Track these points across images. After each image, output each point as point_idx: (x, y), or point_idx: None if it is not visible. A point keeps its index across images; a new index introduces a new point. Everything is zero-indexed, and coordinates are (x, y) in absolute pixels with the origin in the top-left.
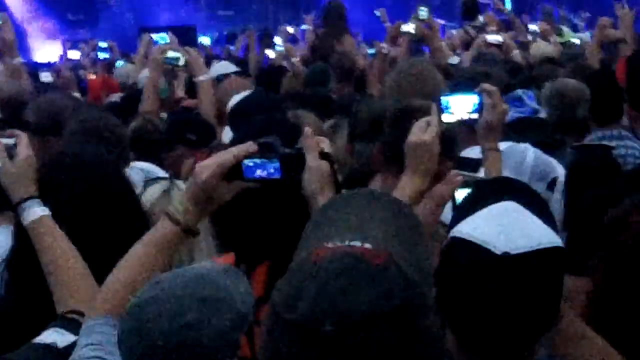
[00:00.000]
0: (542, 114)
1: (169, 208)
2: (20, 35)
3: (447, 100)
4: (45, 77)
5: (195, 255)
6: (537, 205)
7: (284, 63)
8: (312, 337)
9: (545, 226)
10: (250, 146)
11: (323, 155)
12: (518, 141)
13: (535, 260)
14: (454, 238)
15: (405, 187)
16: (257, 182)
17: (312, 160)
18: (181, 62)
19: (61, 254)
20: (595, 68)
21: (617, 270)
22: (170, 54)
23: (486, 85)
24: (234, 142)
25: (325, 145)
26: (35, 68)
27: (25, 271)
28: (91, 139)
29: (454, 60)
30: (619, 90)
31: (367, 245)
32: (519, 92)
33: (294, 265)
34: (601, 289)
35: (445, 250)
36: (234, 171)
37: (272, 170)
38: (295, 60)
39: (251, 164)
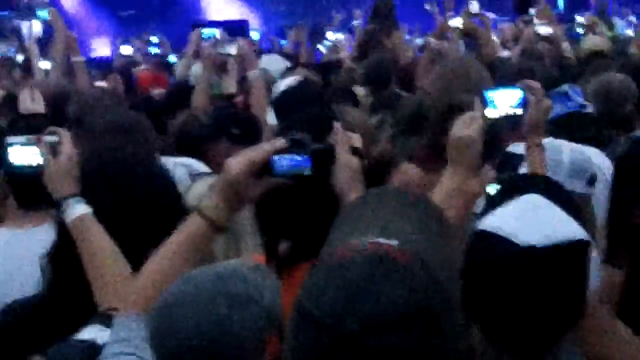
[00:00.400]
0: (589, 109)
1: (200, 204)
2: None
3: (491, 95)
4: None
5: (242, 251)
6: (563, 199)
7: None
8: (335, 336)
9: (570, 219)
10: (279, 142)
11: (353, 151)
12: (564, 138)
13: (560, 253)
14: (479, 231)
15: (448, 182)
16: (286, 179)
17: (342, 156)
18: (234, 52)
19: (102, 253)
20: None
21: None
22: (222, 50)
23: (529, 81)
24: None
25: (356, 140)
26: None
27: (67, 268)
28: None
29: (504, 54)
30: None
31: (393, 243)
32: (565, 87)
33: (319, 263)
34: (630, 282)
35: (470, 244)
36: (264, 167)
37: (301, 166)
38: (345, 55)
39: (281, 160)
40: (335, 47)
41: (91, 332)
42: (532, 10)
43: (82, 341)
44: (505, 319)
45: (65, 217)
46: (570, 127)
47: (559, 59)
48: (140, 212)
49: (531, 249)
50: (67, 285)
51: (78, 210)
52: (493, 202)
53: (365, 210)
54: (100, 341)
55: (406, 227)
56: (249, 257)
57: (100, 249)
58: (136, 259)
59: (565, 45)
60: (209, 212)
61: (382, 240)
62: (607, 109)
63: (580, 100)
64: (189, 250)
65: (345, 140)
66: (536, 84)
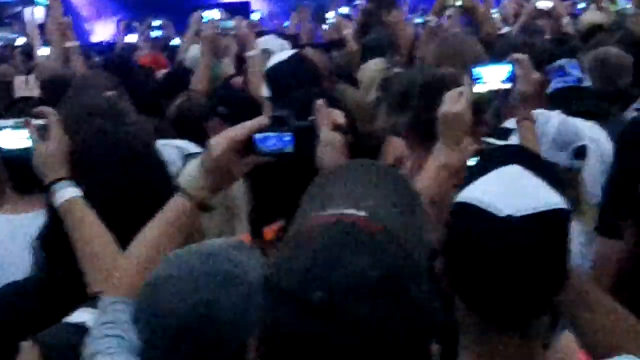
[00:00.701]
0: (587, 83)
1: (184, 184)
2: (75, 16)
3: (479, 70)
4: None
5: (236, 228)
6: (543, 170)
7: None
8: (304, 306)
9: (550, 189)
10: (262, 119)
11: (336, 127)
12: (562, 111)
13: (539, 222)
14: (458, 203)
15: (436, 157)
16: (270, 156)
17: (325, 133)
18: (231, 25)
19: (92, 236)
20: None
21: None
22: (223, 24)
23: (517, 55)
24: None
25: (339, 117)
26: (88, 49)
27: (57, 252)
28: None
29: (505, 31)
30: None
31: (362, 214)
32: (563, 61)
33: (287, 235)
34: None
35: (450, 216)
36: (248, 145)
37: (284, 144)
38: (348, 32)
39: (264, 137)
40: (337, 25)
41: (82, 315)
42: None
43: (73, 324)
44: (487, 289)
45: (54, 201)
46: (567, 100)
47: (559, 33)
48: (129, 194)
49: (510, 219)
50: (58, 269)
51: (67, 193)
52: (472, 174)
53: (335, 183)
54: (90, 324)
55: (376, 199)
56: (243, 236)
57: (90, 232)
58: (127, 241)
59: (567, 19)
60: (192, 192)
61: (351, 211)
62: (603, 83)
63: (578, 74)
64: (173, 230)
65: (328, 117)
66: (524, 57)
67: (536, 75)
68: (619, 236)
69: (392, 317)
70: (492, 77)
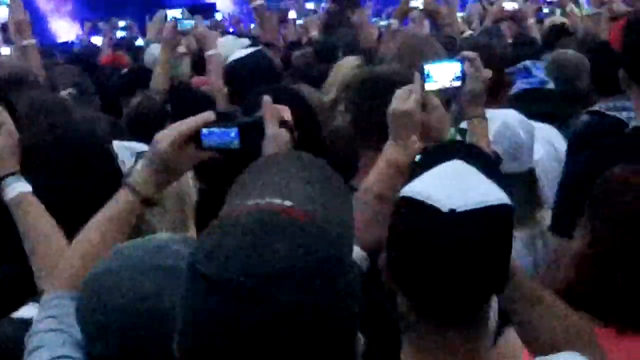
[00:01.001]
0: (550, 85)
1: (128, 179)
2: (40, 16)
3: (428, 68)
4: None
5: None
6: (486, 166)
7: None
8: (228, 292)
9: (493, 184)
10: (208, 115)
11: (282, 124)
12: (524, 113)
13: (481, 217)
14: (402, 198)
15: (387, 155)
16: (215, 151)
17: (271, 129)
18: (190, 26)
19: (42, 231)
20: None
21: (616, 230)
22: (182, 23)
23: (466, 53)
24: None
25: (286, 113)
26: (52, 48)
27: (7, 247)
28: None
29: (467, 34)
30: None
31: (287, 203)
32: (527, 62)
33: (211, 223)
34: (594, 250)
35: (393, 211)
36: (194, 140)
37: (230, 139)
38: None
39: (209, 133)
40: (304, 26)
41: (30, 311)
42: None
43: (20, 319)
44: (429, 283)
45: (4, 195)
46: (529, 102)
47: (522, 36)
48: (78, 189)
49: (453, 213)
50: (7, 264)
51: (17, 188)
52: (417, 170)
53: (263, 174)
54: None
55: (302, 189)
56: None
57: (39, 227)
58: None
59: (532, 21)
60: (138, 186)
61: (277, 200)
62: (562, 85)
63: (542, 76)
64: (118, 225)
65: (274, 114)
66: (474, 55)
67: (487, 73)
68: (573, 236)
69: (315, 304)
70: (443, 75)
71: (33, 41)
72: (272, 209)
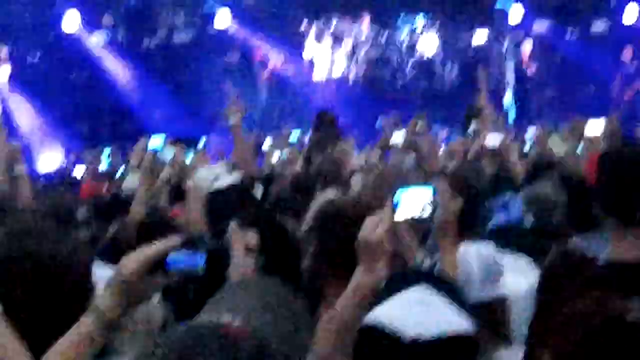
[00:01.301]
0: (529, 221)
1: (95, 302)
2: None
3: (399, 196)
4: None
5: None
6: (450, 292)
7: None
8: None
9: (456, 313)
10: (174, 240)
11: (248, 250)
12: (501, 247)
13: (444, 347)
14: (365, 325)
15: (355, 281)
16: (180, 276)
17: (237, 255)
18: (169, 158)
19: (8, 353)
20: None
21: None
22: (161, 154)
23: (437, 182)
24: None
25: (252, 239)
26: (35, 178)
27: None
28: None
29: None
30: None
31: (236, 323)
32: (507, 197)
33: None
34: None
35: (357, 337)
36: (160, 265)
37: (195, 265)
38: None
39: (175, 257)
40: (290, 159)
41: None
42: (473, 124)
43: None
44: None
45: None
46: (507, 237)
47: (504, 169)
48: (45, 309)
49: (415, 343)
50: None
51: None
52: (380, 297)
53: (227, 297)
54: None
55: (259, 313)
56: None
57: (5, 349)
58: (40, 353)
59: (514, 156)
60: (103, 309)
61: (227, 318)
62: (537, 218)
63: (519, 212)
64: (82, 349)
65: (241, 240)
66: (444, 184)
67: (457, 202)
68: None
69: None
70: (414, 203)
71: (24, 168)
72: (213, 325)
